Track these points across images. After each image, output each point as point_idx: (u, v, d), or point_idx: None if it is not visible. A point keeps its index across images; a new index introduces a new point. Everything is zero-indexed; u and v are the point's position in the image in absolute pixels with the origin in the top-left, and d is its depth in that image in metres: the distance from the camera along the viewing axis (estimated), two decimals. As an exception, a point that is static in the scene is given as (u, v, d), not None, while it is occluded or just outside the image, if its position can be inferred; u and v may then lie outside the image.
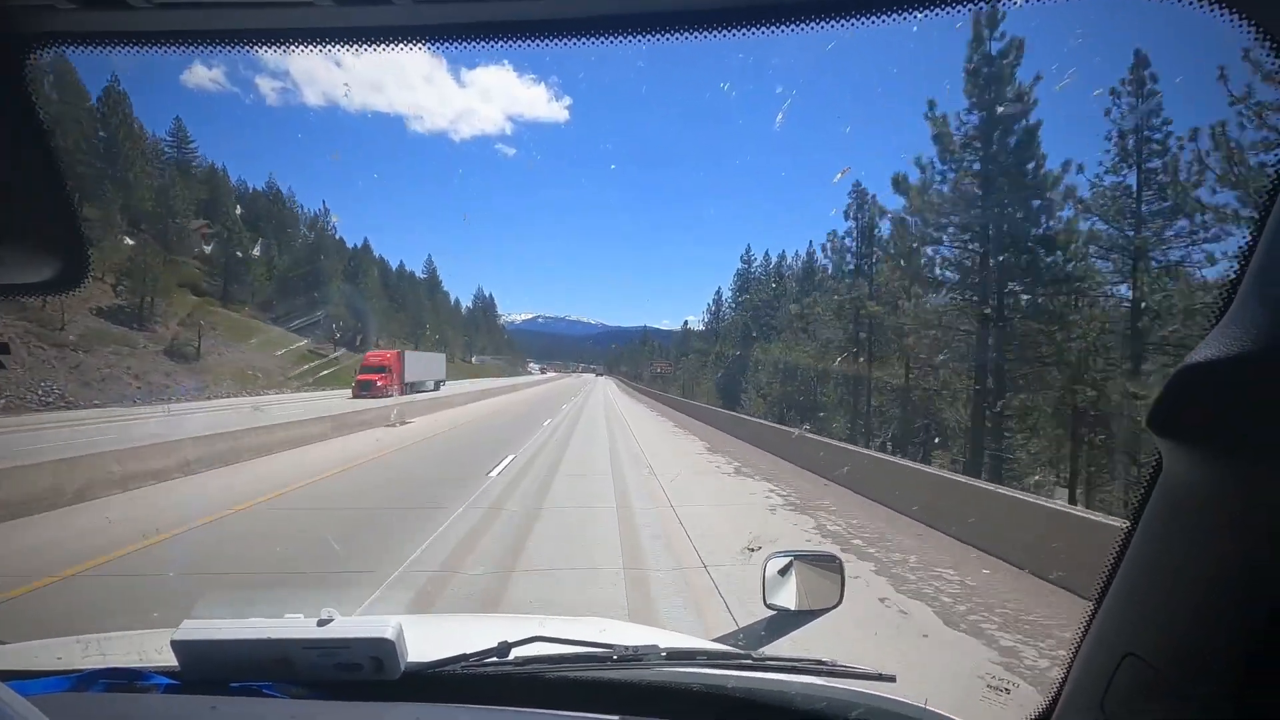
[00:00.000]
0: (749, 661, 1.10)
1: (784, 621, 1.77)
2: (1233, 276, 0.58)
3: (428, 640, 1.18)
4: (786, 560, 1.77)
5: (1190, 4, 0.52)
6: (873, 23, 0.61)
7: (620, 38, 0.64)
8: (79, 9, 0.62)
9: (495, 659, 1.07)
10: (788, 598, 1.72)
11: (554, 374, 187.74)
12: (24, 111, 0.66)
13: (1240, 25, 0.52)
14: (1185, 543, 0.62)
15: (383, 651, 0.99)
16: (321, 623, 1.00)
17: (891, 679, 1.07)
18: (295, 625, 1.01)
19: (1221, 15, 0.52)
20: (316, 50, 0.67)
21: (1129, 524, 0.69)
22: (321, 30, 0.66)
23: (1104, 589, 0.72)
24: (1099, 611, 0.73)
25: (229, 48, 0.66)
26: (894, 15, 0.60)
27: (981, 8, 0.60)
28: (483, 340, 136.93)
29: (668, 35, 0.63)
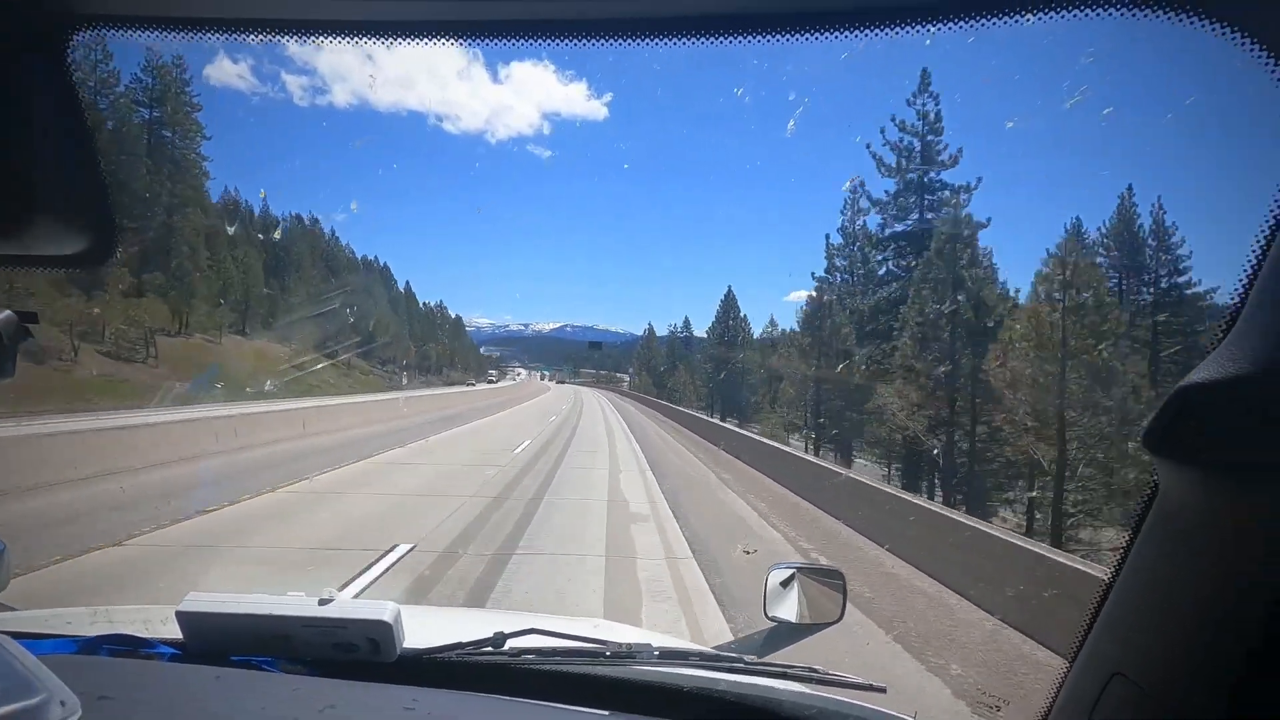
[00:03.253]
0: (741, 665, 1.10)
1: (783, 634, 1.76)
2: (1236, 298, 0.58)
3: (424, 628, 1.19)
4: (789, 572, 1.76)
5: (1194, 23, 0.52)
6: (889, 34, 0.62)
7: (647, 40, 0.66)
8: None
9: (490, 649, 1.08)
10: (789, 610, 1.71)
11: (542, 380, 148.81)
12: (64, 88, 0.69)
13: (1245, 44, 0.52)
14: (1179, 564, 0.62)
15: (380, 634, 1.00)
16: (322, 602, 1.02)
17: (882, 690, 1.07)
18: (296, 603, 1.03)
19: (1230, 36, 0.52)
20: (349, 42, 0.69)
21: (1125, 543, 0.69)
22: (356, 24, 0.68)
23: (1097, 608, 0.72)
24: (1091, 631, 0.73)
25: (263, 35, 0.69)
26: (909, 27, 0.61)
27: (993, 23, 0.60)
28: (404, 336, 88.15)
29: (688, 39, 0.65)
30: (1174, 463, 0.58)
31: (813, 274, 39.46)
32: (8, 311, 0.84)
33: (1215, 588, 0.58)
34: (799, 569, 1.76)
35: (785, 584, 1.75)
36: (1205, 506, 0.58)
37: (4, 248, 0.73)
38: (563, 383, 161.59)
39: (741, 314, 67.55)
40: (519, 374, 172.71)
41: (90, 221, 0.75)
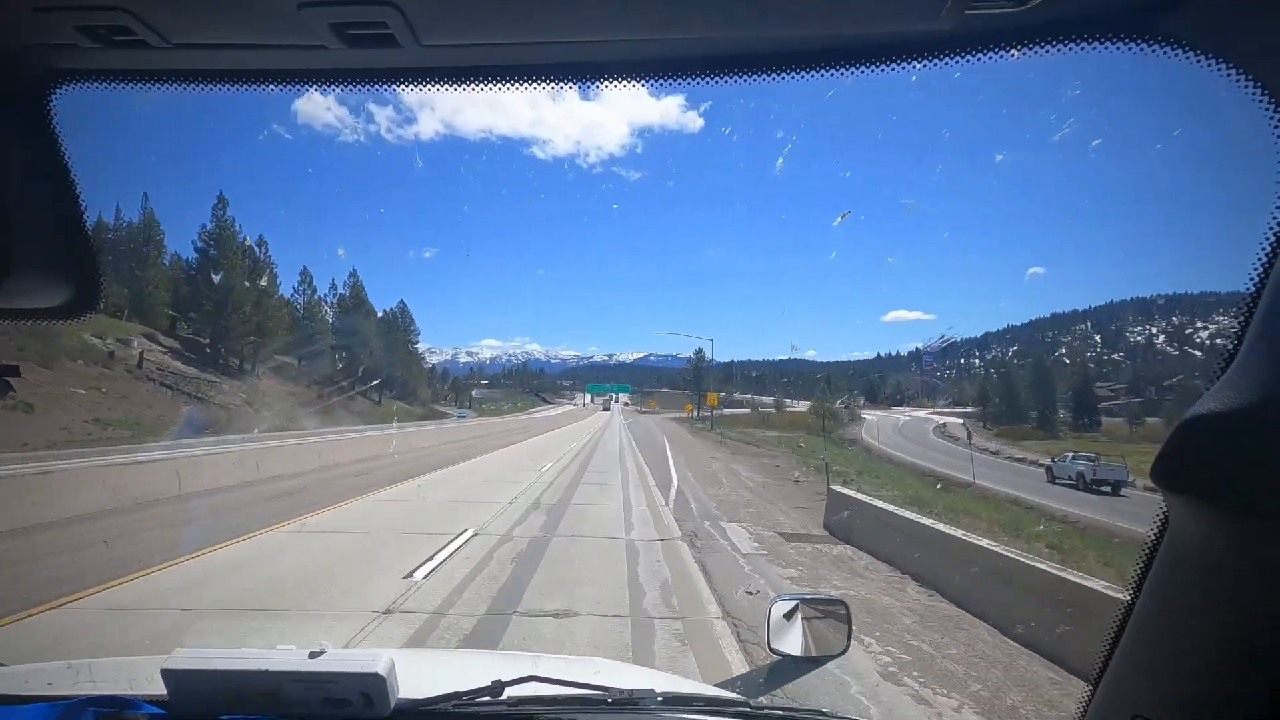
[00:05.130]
0: (747, 710, 1.07)
1: (788, 667, 1.72)
2: (1236, 329, 0.57)
3: (420, 676, 1.16)
4: (792, 604, 1.72)
5: (1199, 61, 0.52)
6: (875, 71, 0.62)
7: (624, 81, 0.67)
8: (101, 49, 0.64)
9: (488, 698, 1.04)
10: (793, 643, 1.67)
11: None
12: (46, 145, 0.69)
13: (1241, 83, 0.52)
14: (1191, 601, 0.60)
15: (372, 687, 0.97)
16: (313, 655, 0.99)
17: None
18: (286, 657, 0.99)
19: (1227, 74, 0.52)
20: (328, 90, 0.70)
21: (1135, 581, 0.67)
22: (333, 72, 0.68)
23: (1111, 648, 0.70)
24: (1106, 671, 0.71)
25: (243, 87, 0.68)
26: (894, 65, 0.61)
27: (980, 60, 0.60)
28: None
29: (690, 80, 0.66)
30: (1181, 496, 0.57)
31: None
32: None
33: (1226, 626, 0.57)
34: (802, 600, 1.72)
35: (789, 616, 1.71)
36: (1212, 539, 0.57)
37: None
38: (606, 409, 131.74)
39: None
40: (575, 401, 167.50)
41: (73, 274, 0.74)
